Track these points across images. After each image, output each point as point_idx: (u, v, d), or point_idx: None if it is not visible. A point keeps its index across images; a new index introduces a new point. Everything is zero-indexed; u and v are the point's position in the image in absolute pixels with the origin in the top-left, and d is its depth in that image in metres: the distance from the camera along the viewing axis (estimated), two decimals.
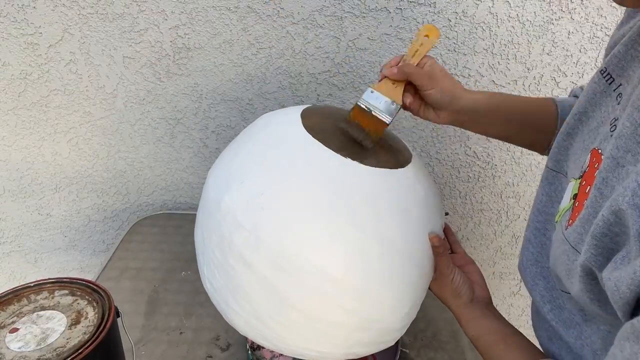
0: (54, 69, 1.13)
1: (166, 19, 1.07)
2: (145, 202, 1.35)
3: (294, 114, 0.69)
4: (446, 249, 0.67)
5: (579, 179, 0.50)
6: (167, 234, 1.19)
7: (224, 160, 0.69)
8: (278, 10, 1.06)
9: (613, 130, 0.46)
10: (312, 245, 0.57)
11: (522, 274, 0.63)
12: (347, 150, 0.63)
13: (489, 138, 1.21)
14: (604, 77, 0.52)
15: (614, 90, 0.50)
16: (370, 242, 0.58)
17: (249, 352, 0.83)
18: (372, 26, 1.07)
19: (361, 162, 0.62)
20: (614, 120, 0.47)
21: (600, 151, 0.47)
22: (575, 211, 0.48)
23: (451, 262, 0.69)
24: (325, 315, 0.59)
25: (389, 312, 0.62)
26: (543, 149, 0.72)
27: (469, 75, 1.12)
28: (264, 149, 0.64)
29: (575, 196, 0.50)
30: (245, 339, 0.84)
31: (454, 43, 1.08)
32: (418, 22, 1.06)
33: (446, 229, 0.74)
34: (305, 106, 0.72)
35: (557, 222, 0.53)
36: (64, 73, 1.14)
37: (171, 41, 1.10)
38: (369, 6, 1.05)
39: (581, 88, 0.68)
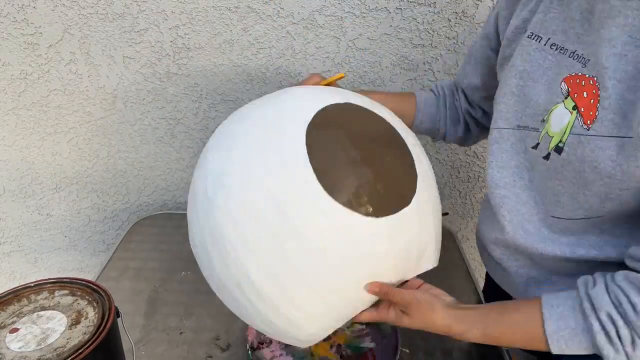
0: (54, 69, 1.13)
1: (166, 19, 1.07)
2: (145, 202, 1.35)
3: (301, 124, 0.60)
4: (389, 287, 0.62)
5: (564, 100, 0.61)
6: (167, 234, 1.19)
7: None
8: (278, 10, 1.06)
9: (579, 59, 0.60)
10: None
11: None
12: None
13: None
14: (528, 37, 0.68)
15: (545, 44, 0.65)
16: None
17: (249, 352, 0.83)
18: (372, 26, 1.07)
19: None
20: (571, 54, 0.61)
21: (578, 73, 0.60)
22: (587, 111, 0.57)
23: (404, 290, 0.64)
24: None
25: None
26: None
27: None
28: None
29: (574, 107, 0.59)
30: (246, 339, 0.84)
31: (454, 43, 1.08)
32: (418, 22, 1.06)
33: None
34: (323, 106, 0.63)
35: (557, 145, 0.61)
36: (64, 73, 1.14)
37: (171, 41, 1.10)
38: (369, 6, 1.05)
39: (436, 86, 0.93)
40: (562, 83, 0.62)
